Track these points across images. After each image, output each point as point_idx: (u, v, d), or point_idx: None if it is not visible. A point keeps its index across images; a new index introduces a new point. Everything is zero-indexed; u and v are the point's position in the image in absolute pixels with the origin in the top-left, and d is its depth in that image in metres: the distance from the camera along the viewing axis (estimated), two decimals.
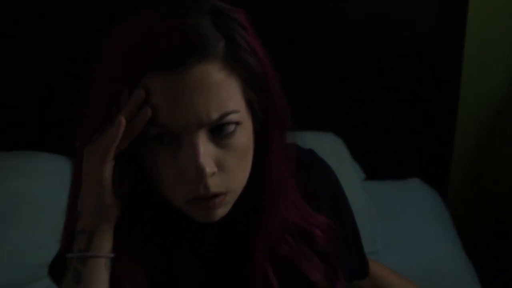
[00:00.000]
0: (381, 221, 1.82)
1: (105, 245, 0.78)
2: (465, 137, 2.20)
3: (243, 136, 0.77)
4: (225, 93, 0.74)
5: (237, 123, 0.76)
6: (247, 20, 0.79)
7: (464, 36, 1.98)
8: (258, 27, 0.81)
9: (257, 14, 0.82)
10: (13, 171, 1.78)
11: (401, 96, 2.05)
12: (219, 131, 0.75)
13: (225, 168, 0.76)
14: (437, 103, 2.06)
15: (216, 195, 0.76)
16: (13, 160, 1.83)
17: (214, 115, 0.73)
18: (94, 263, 0.78)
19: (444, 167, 2.17)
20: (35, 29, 1.89)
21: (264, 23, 0.84)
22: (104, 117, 0.75)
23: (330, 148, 1.13)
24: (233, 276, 0.87)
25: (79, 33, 1.89)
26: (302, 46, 1.94)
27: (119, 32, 0.76)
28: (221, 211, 0.78)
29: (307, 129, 1.30)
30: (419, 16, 1.96)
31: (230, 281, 0.88)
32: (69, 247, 0.81)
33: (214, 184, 0.75)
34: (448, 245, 1.81)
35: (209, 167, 0.73)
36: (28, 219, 1.69)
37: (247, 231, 0.85)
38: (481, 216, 2.33)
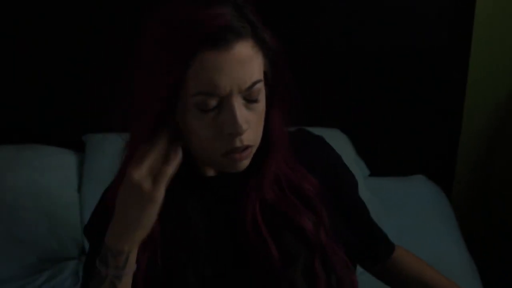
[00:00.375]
0: (385, 218, 1.79)
1: (135, 259, 0.97)
2: (471, 135, 2.21)
3: (262, 101, 0.97)
4: (255, 65, 0.93)
5: (260, 90, 0.95)
6: (255, 11, 0.97)
7: (471, 35, 2.00)
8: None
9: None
10: (21, 164, 1.79)
11: (408, 94, 2.06)
12: (248, 97, 0.94)
13: (251, 126, 0.95)
14: (443, 101, 2.07)
15: (246, 147, 0.95)
16: (21, 153, 1.83)
17: (248, 83, 0.92)
18: (127, 277, 0.97)
19: (449, 164, 2.18)
20: (35, 29, 1.89)
21: (265, 23, 0.97)
22: (157, 116, 0.93)
23: (335, 144, 1.17)
24: (232, 225, 1.04)
25: (79, 33, 1.89)
26: (310, 42, 1.96)
27: (158, 24, 0.93)
28: (246, 162, 0.98)
29: (314, 125, 1.32)
30: (427, 16, 1.98)
31: (229, 230, 1.05)
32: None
33: (246, 138, 0.95)
34: (451, 243, 1.81)
35: (244, 124, 0.93)
36: (33, 211, 1.70)
37: (245, 187, 1.04)
38: (485, 215, 2.34)
